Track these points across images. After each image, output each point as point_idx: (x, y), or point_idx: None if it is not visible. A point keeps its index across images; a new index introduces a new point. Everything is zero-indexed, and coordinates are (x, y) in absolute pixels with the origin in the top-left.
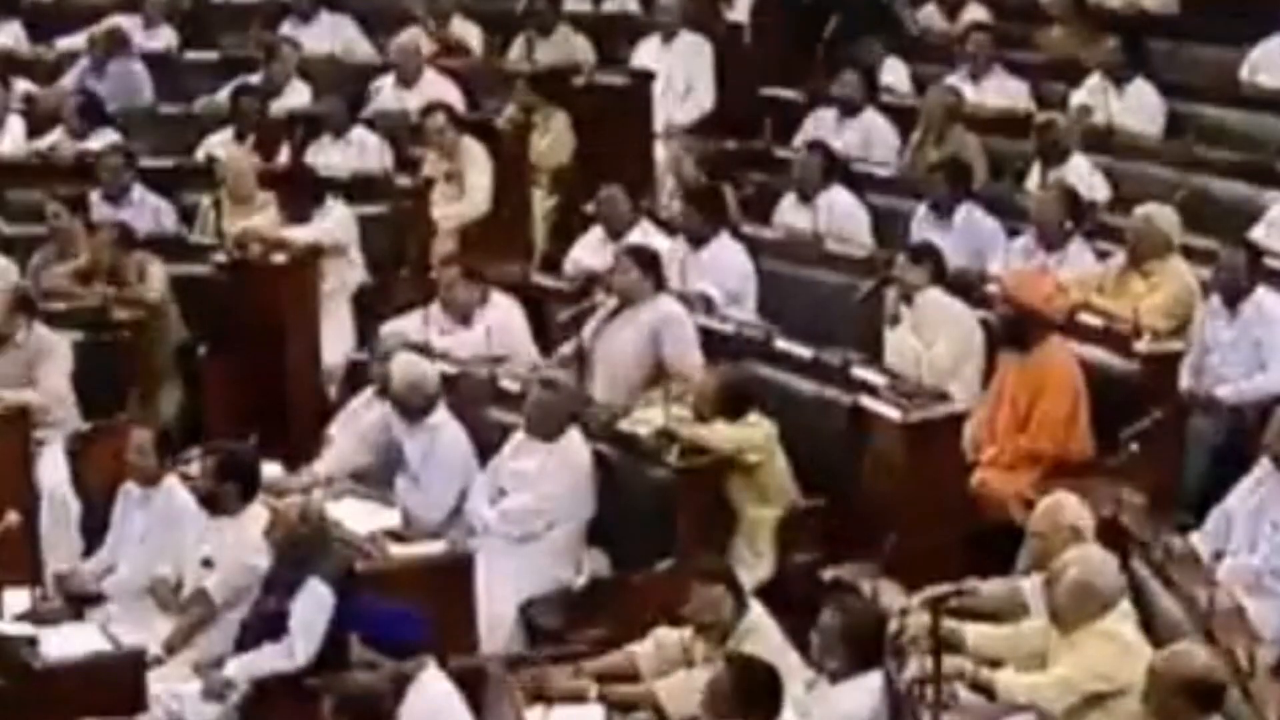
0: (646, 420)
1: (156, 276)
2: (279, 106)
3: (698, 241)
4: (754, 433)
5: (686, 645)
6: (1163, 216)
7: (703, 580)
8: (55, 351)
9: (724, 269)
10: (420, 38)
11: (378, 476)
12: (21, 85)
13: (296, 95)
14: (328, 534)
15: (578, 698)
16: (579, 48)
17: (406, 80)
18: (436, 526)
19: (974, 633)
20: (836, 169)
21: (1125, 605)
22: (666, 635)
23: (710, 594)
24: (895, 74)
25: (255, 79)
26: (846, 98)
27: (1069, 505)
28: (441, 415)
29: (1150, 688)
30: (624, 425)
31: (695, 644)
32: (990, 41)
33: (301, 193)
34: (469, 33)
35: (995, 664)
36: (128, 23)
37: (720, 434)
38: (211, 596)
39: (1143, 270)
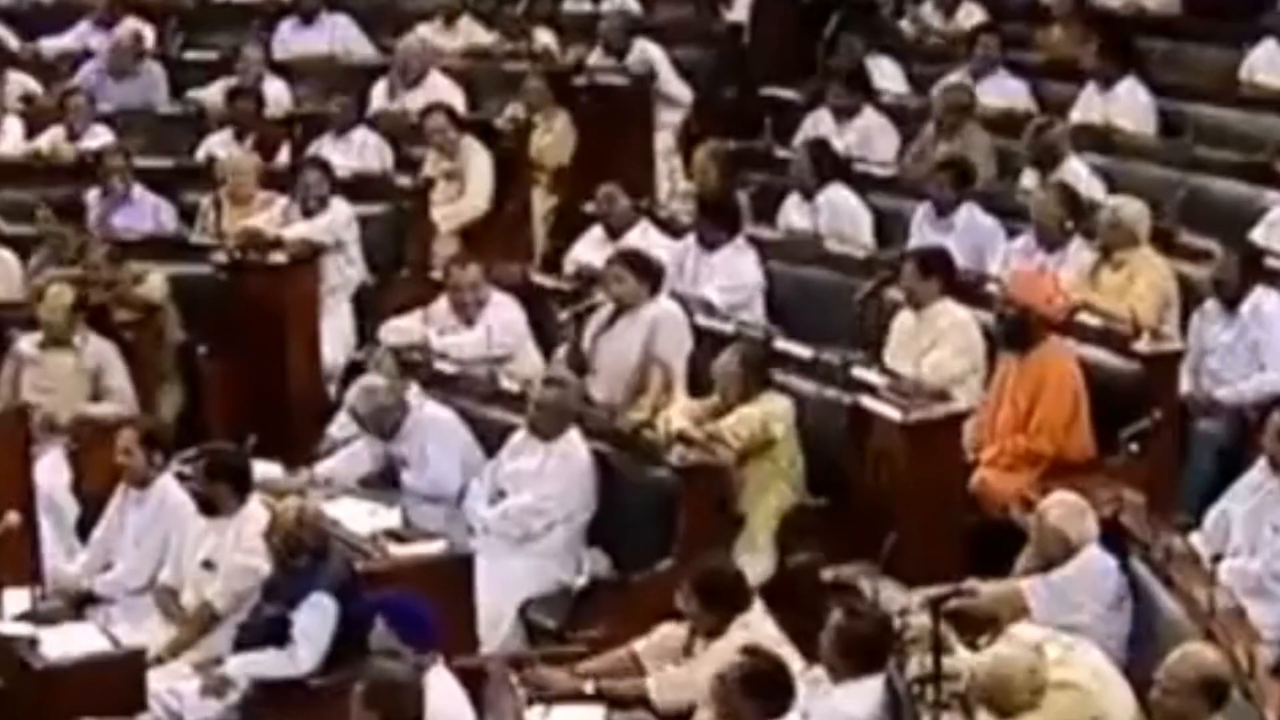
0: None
1: (155, 280)
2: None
3: (710, 245)
4: (776, 405)
5: (687, 640)
6: (1129, 208)
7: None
8: (114, 358)
9: (733, 275)
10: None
11: (379, 477)
12: (18, 85)
13: (273, 92)
14: (327, 539)
15: (577, 695)
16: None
17: (410, 81)
18: (450, 500)
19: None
20: (829, 165)
21: (1061, 643)
22: (671, 630)
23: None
24: (888, 74)
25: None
26: (840, 105)
27: (1056, 509)
28: (415, 401)
29: (1167, 692)
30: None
31: (695, 639)
32: (998, 44)
33: (315, 184)
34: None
35: None
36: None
37: (743, 415)
38: (216, 607)
39: (1114, 261)
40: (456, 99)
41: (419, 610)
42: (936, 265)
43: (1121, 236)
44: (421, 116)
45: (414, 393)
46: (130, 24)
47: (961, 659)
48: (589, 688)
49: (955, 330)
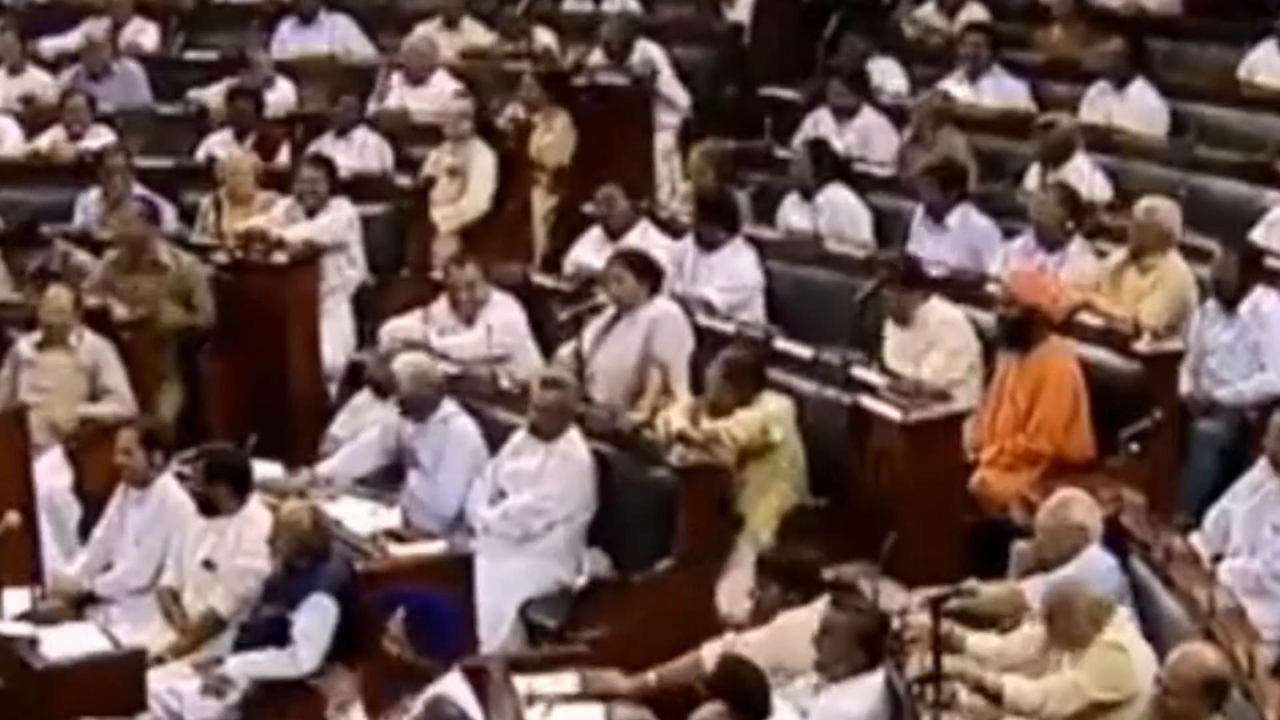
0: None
1: (205, 294)
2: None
3: (709, 245)
4: (774, 406)
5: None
6: (1165, 210)
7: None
8: (111, 357)
9: (733, 275)
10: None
11: (380, 477)
12: (17, 85)
13: (279, 94)
14: (329, 540)
15: (581, 695)
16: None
17: (416, 80)
18: (448, 520)
19: (973, 638)
20: (829, 165)
21: (1125, 610)
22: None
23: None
24: (890, 75)
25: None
26: (840, 104)
27: (1076, 503)
28: (450, 408)
29: (1169, 692)
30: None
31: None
32: (986, 42)
33: (313, 181)
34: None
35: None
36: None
37: (741, 419)
38: (220, 612)
39: (1142, 265)
40: (463, 100)
41: (447, 612)
42: (917, 277)
43: (1153, 237)
44: (455, 98)
45: (450, 401)
46: (137, 24)
47: (972, 645)
48: (652, 678)
49: (947, 329)
